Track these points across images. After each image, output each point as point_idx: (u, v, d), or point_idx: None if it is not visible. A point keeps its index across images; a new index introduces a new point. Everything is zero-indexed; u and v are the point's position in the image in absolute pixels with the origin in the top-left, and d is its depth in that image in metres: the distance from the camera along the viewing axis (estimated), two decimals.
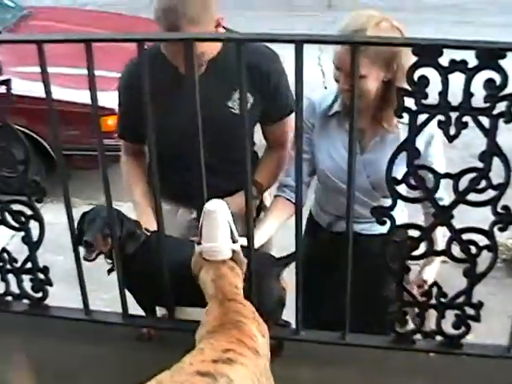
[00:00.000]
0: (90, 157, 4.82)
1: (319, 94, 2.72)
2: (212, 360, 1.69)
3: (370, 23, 2.36)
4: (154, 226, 2.40)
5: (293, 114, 2.51)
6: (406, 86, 2.44)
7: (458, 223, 2.02)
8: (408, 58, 2.38)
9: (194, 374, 1.63)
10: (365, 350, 2.31)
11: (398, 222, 2.12)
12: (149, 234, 2.41)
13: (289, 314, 2.38)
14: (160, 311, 2.54)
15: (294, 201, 2.66)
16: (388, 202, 2.08)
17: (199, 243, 2.02)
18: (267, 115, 2.67)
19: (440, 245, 2.23)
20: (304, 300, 2.30)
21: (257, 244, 2.32)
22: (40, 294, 2.47)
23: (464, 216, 2.14)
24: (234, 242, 2.03)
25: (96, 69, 2.09)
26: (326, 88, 2.50)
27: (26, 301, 2.50)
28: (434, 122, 1.90)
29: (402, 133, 2.47)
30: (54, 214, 2.89)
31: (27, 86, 4.62)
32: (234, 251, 2.04)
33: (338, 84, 2.49)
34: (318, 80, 7.44)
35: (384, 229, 2.19)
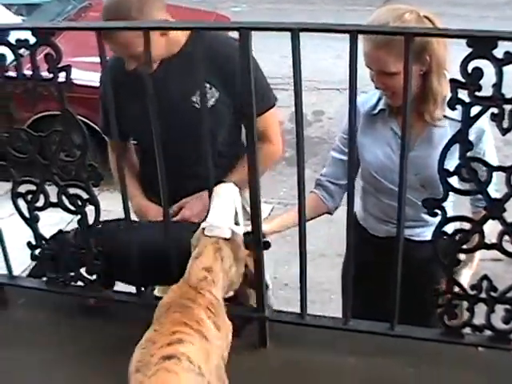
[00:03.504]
0: None
1: (363, 95, 2.66)
2: (167, 344, 1.73)
3: (391, 17, 2.35)
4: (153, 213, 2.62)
5: (274, 109, 2.60)
6: (442, 77, 2.45)
7: None
8: (441, 47, 2.38)
9: (161, 360, 1.68)
10: (413, 342, 2.30)
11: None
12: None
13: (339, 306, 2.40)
14: None
15: (326, 202, 2.75)
16: None
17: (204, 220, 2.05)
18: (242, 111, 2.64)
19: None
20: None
21: (265, 228, 2.33)
22: None
23: None
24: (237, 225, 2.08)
25: None
26: None
27: None
28: (484, 118, 1.89)
29: (450, 128, 2.47)
30: (109, 202, 2.93)
31: (85, 76, 4.69)
32: (233, 233, 2.05)
33: (374, 83, 2.49)
34: None
35: None
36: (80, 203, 2.33)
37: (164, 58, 2.58)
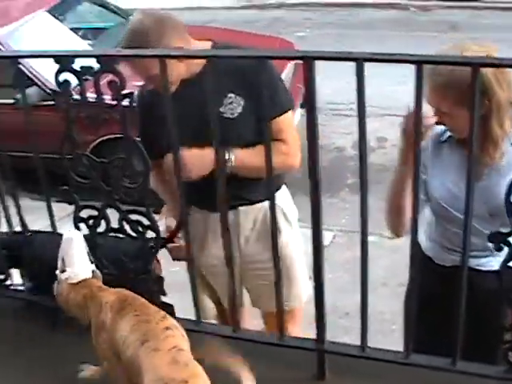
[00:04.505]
0: None
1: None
2: (162, 317, 2.14)
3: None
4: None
5: (289, 113, 2.79)
6: (505, 118, 2.39)
7: None
8: (504, 89, 2.32)
9: (164, 330, 2.09)
10: (475, 379, 2.23)
11: None
12: None
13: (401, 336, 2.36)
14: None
15: None
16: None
17: (63, 271, 2.25)
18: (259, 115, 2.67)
19: None
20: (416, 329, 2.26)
21: None
22: None
23: None
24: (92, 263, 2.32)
25: None
26: None
27: None
28: None
29: None
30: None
31: None
32: (93, 271, 2.30)
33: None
34: None
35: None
36: (141, 229, 2.34)
37: (187, 78, 2.69)
